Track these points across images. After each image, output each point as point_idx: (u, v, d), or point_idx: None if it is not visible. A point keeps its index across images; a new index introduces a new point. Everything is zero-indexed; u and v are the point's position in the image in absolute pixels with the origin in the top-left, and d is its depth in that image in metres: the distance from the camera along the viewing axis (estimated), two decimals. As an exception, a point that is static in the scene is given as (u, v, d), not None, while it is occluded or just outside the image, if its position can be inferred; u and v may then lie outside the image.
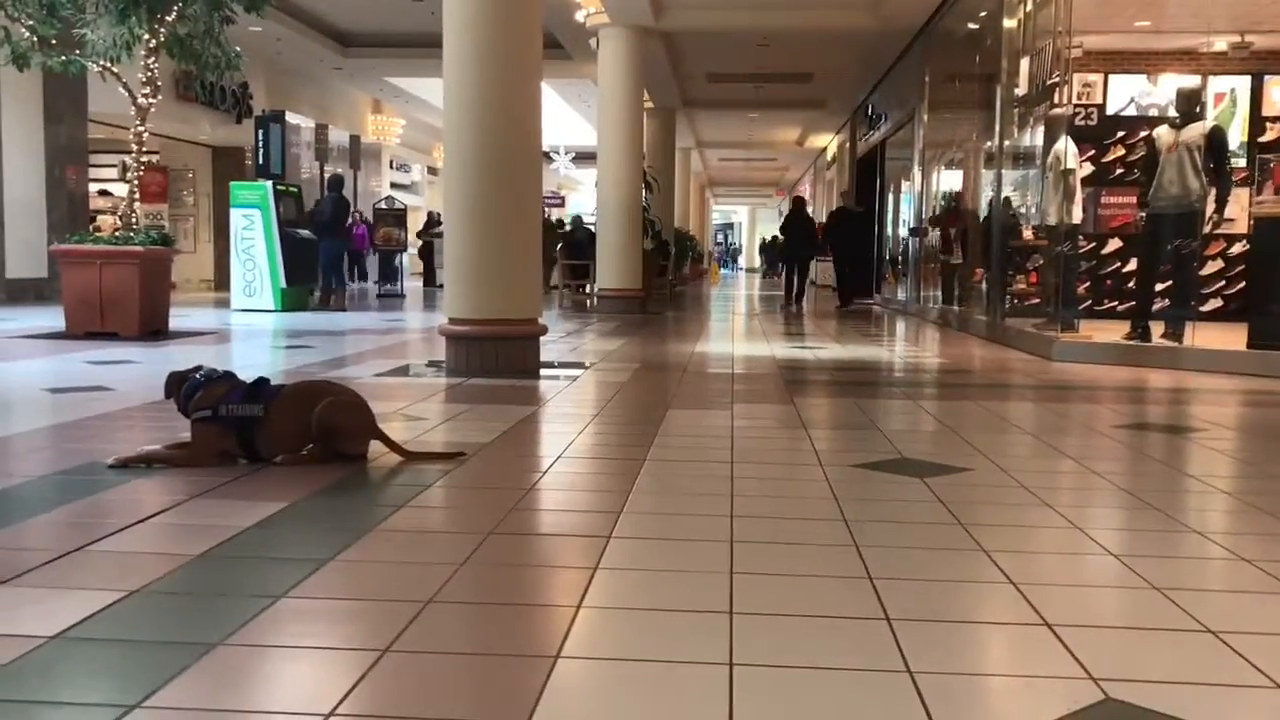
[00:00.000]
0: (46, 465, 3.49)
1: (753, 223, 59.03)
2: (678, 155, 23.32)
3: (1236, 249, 10.94)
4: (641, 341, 9.26)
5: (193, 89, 16.05)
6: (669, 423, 4.63)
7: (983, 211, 11.74)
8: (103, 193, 17.65)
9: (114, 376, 5.89)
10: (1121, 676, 1.81)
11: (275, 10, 12.94)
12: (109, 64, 8.37)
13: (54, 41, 8.43)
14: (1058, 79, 9.01)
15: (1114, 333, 8.48)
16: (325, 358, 7.31)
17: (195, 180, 19.38)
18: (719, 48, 15.92)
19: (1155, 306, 8.41)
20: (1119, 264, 11.29)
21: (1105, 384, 6.64)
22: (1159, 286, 8.54)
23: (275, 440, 3.48)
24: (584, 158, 27.73)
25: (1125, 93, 11.55)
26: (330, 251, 14.07)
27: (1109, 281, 11.38)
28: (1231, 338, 7.70)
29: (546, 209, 18.99)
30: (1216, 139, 8.05)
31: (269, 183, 13.20)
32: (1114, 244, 11.40)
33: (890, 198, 18.98)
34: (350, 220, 16.02)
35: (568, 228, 18.05)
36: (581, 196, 37.45)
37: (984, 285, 11.28)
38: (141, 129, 8.60)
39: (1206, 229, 8.48)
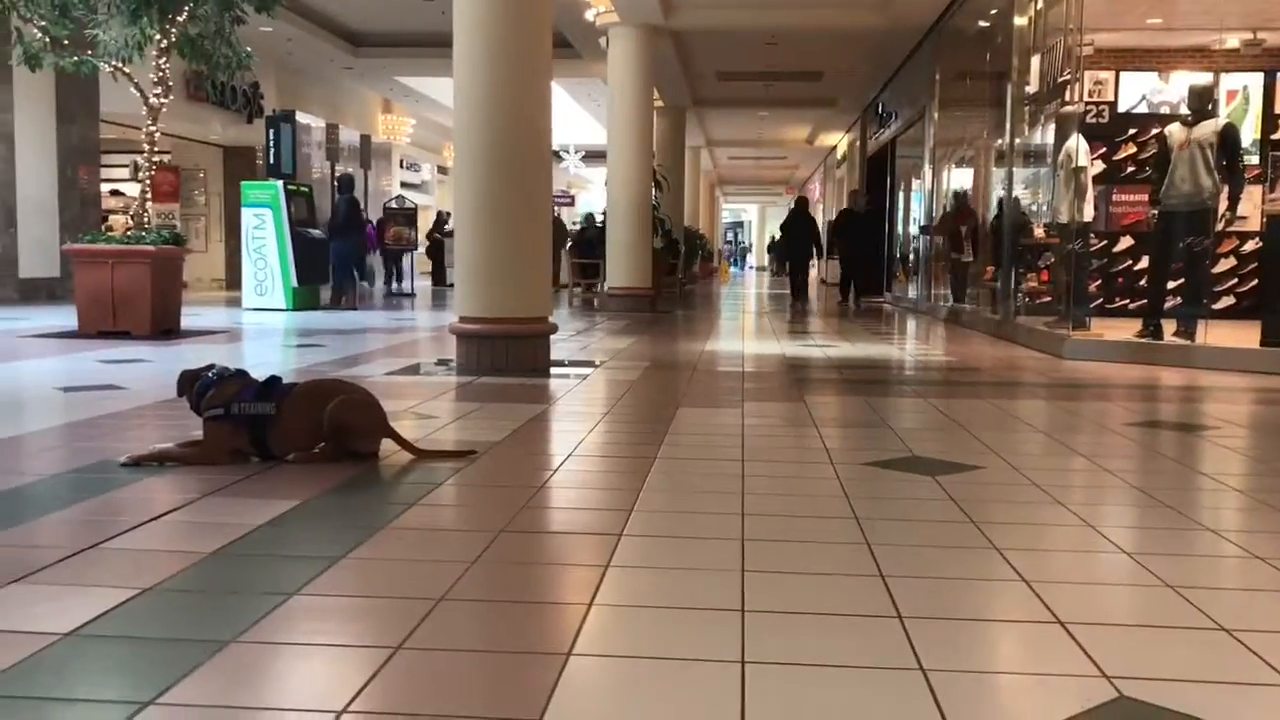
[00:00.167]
0: (59, 464, 3.50)
1: (762, 221, 58.99)
2: (687, 154, 23.31)
3: (1249, 246, 10.90)
4: (651, 340, 9.26)
5: (204, 89, 16.10)
6: (679, 421, 4.63)
7: (993, 210, 11.70)
8: (114, 192, 17.73)
9: (126, 375, 5.91)
10: (1135, 674, 1.80)
11: (286, 10, 12.95)
12: (120, 64, 8.39)
13: (66, 42, 8.46)
14: (1069, 76, 8.98)
15: (1125, 331, 8.46)
16: (336, 356, 7.33)
17: (206, 180, 19.45)
18: (729, 46, 15.90)
19: (1167, 304, 8.38)
20: (1130, 262, 11.26)
21: (1117, 382, 6.61)
22: (1171, 284, 8.51)
23: (287, 438, 3.49)
24: (594, 156, 27.76)
25: (1137, 90, 11.51)
26: (341, 251, 14.12)
27: (1120, 279, 11.35)
28: (1244, 335, 7.66)
29: (556, 208, 19.00)
30: (1229, 136, 8.01)
31: (280, 182, 13.23)
32: (1126, 241, 11.36)
33: (901, 196, 18.98)
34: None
35: (578, 225, 18.08)
36: (591, 195, 37.48)
37: (995, 283, 11.26)
38: (153, 129, 8.62)
39: (1219, 226, 8.45)
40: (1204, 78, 9.08)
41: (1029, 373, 7.17)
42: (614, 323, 11.42)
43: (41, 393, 5.43)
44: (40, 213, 13.35)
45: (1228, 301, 10.81)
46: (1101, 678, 1.79)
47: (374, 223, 19.36)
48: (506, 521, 2.80)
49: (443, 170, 28.30)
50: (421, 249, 21.70)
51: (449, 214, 19.73)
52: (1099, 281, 11.09)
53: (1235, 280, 11.07)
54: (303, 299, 13.07)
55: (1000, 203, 11.24)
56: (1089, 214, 9.26)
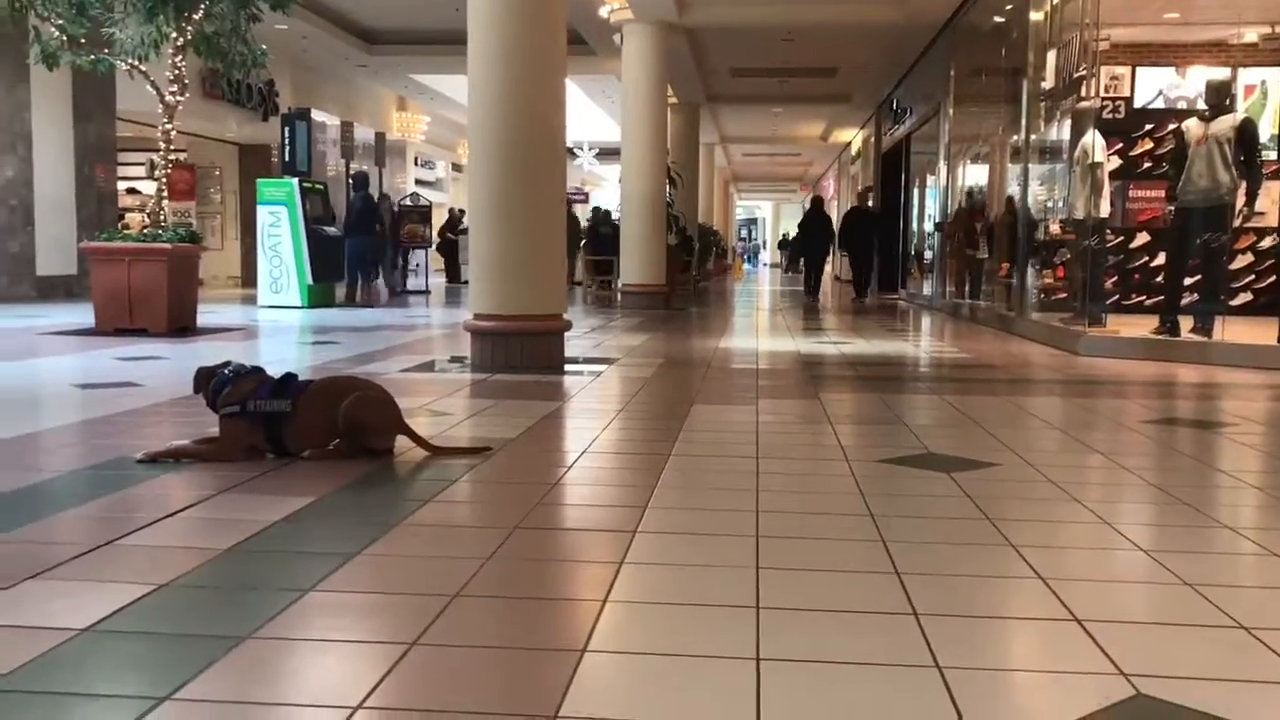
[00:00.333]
0: (76, 460, 3.52)
1: (776, 218, 58.88)
2: (702, 150, 23.29)
3: (1267, 242, 10.82)
4: (665, 337, 9.25)
5: (219, 87, 16.15)
6: (693, 418, 4.62)
7: (1008, 206, 11.65)
8: (131, 190, 17.81)
9: (142, 373, 5.94)
10: (1153, 672, 1.79)
11: (301, 8, 12.96)
12: (137, 62, 8.43)
13: (83, 40, 8.51)
14: (1085, 72, 8.94)
15: (1141, 327, 8.41)
16: (352, 353, 7.34)
17: (222, 177, 19.51)
18: (743, 43, 15.87)
19: (1184, 301, 8.33)
20: (1147, 258, 11.19)
21: (1133, 379, 6.58)
22: (1188, 280, 8.46)
23: (303, 435, 3.50)
24: (608, 153, 27.73)
25: (1153, 85, 11.43)
26: (356, 249, 14.15)
27: (1136, 275, 11.28)
28: (1262, 332, 7.61)
29: (570, 205, 18.99)
30: (1247, 131, 7.95)
31: (295, 180, 13.26)
32: (1142, 238, 11.29)
33: (915, 192, 18.97)
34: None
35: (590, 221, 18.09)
36: (605, 192, 37.46)
37: (1010, 280, 11.21)
38: (169, 127, 8.66)
39: (1236, 222, 8.39)
40: (1221, 72, 9.04)
41: (1044, 369, 7.14)
42: (628, 320, 11.42)
43: (59, 390, 5.47)
44: (57, 211, 13.43)
45: (1245, 298, 10.73)
46: (1119, 675, 1.78)
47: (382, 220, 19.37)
48: (521, 518, 2.80)
49: (457, 167, 28.32)
50: (434, 246, 21.70)
51: (463, 211, 19.74)
52: (1115, 278, 11.03)
53: (1253, 276, 10.99)
54: (318, 296, 13.10)
55: (1015, 199, 11.19)
56: (1105, 210, 9.21)
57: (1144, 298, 10.93)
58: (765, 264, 54.08)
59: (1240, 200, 8.02)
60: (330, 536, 2.64)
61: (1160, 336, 7.97)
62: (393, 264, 17.94)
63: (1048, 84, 10.08)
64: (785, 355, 7.74)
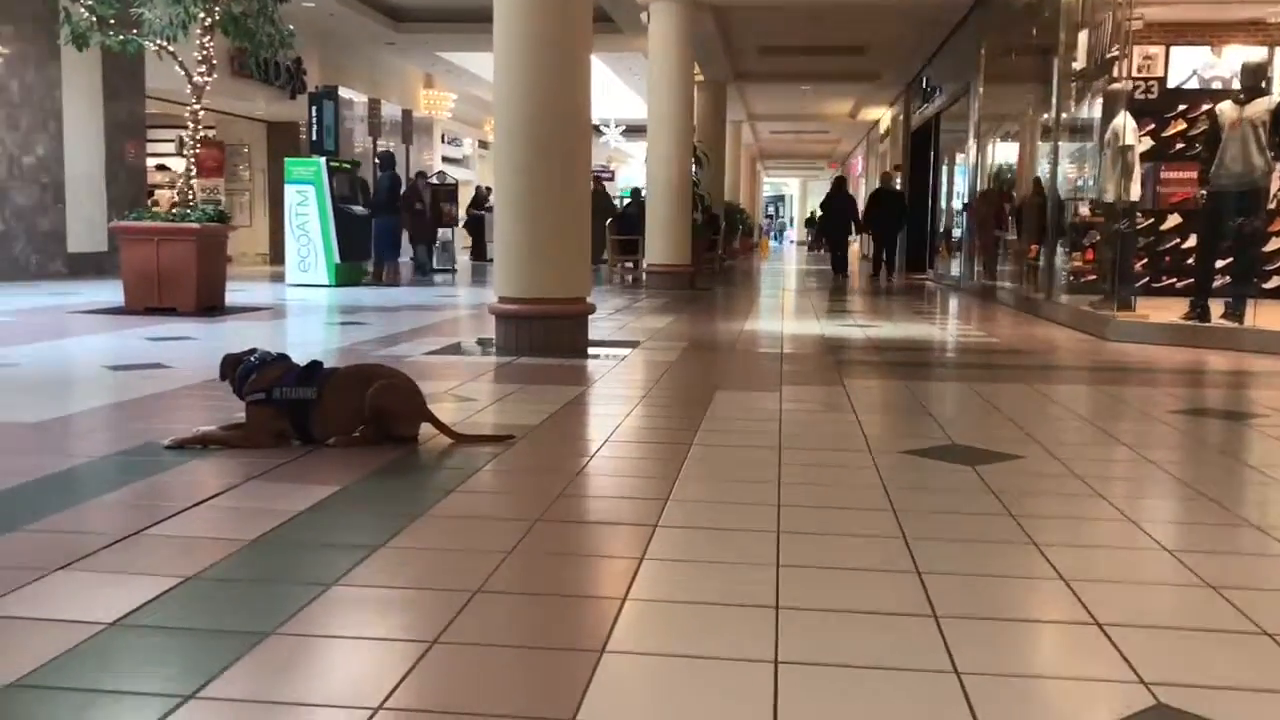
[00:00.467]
0: (106, 445, 3.57)
1: (804, 195, 58.53)
2: (729, 128, 23.14)
3: (1301, 225, 10.65)
4: (690, 319, 9.24)
5: (247, 66, 16.19)
6: (716, 405, 4.62)
7: (1037, 187, 11.53)
8: (160, 167, 17.92)
9: (171, 354, 5.99)
10: (1174, 681, 1.78)
11: (328, -14, 13.01)
12: (166, 43, 8.47)
13: (112, 21, 8.55)
14: (1117, 52, 8.81)
15: (1172, 311, 8.32)
16: (378, 334, 7.38)
17: (250, 155, 19.61)
18: (771, 20, 15.75)
19: (1215, 285, 8.23)
20: (1178, 240, 11.04)
21: (1162, 366, 6.52)
22: (1219, 264, 8.36)
23: (328, 422, 3.53)
24: (634, 130, 27.62)
25: (1187, 65, 11.24)
26: (383, 228, 14.19)
27: (1167, 258, 11.14)
28: (1295, 318, 7.52)
29: (599, 181, 18.96)
30: (1284, 114, 7.82)
31: (322, 159, 13.30)
32: (1173, 220, 11.14)
33: (945, 171, 18.83)
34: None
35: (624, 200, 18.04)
36: (632, 170, 37.35)
37: (1038, 262, 11.11)
38: (197, 107, 8.71)
39: (1270, 206, 8.27)
40: (1258, 53, 8.89)
41: (1072, 355, 7.08)
42: (653, 300, 11.41)
43: (90, 371, 5.53)
44: (88, 188, 13.53)
45: (1277, 282, 10.59)
46: (1139, 684, 1.77)
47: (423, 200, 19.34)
48: (542, 510, 2.81)
49: (484, 144, 28.32)
50: (461, 223, 21.71)
51: (489, 189, 19.73)
52: (1145, 260, 10.90)
53: (1287, 260, 10.83)
54: (345, 275, 13.17)
55: (1044, 180, 11.07)
56: (1136, 193, 9.09)
57: (1174, 280, 10.80)
58: (792, 241, 53.82)
59: (1275, 184, 7.90)
60: (355, 527, 2.66)
61: (1190, 322, 7.89)
62: (433, 244, 17.86)
63: (1079, 64, 9.95)
64: (810, 339, 7.72)
